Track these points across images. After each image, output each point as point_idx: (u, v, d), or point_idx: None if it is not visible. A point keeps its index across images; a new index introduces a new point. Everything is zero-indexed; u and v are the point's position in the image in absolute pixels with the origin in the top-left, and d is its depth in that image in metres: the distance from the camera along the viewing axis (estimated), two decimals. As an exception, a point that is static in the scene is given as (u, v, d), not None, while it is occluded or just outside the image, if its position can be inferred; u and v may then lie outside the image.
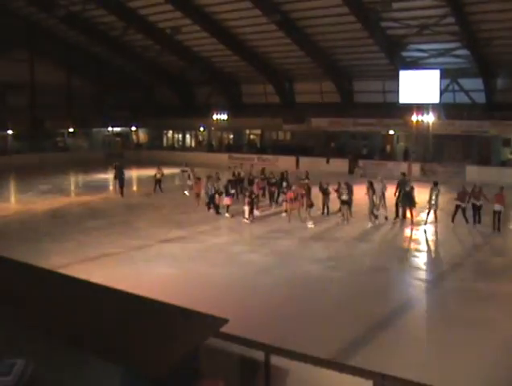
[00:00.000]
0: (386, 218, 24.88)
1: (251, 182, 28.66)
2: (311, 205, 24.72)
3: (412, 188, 24.48)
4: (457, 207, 23.57)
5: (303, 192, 25.25)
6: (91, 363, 4.28)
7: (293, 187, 25.82)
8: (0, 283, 5.93)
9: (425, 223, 24.05)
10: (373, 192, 24.56)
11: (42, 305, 5.32)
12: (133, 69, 58.13)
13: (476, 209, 23.36)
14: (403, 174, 27.06)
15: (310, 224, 23.95)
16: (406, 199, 24.24)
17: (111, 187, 36.20)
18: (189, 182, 31.34)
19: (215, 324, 5.14)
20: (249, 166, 32.09)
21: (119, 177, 32.65)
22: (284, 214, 25.65)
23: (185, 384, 4.90)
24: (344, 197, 24.81)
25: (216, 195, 26.44)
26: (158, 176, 33.47)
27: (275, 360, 6.13)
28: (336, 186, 25.67)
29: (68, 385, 4.47)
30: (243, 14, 41.15)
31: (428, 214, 24.25)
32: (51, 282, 6.26)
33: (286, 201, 25.81)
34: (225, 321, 5.12)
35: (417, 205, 24.41)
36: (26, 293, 5.61)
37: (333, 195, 26.00)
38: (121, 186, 32.53)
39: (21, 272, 6.59)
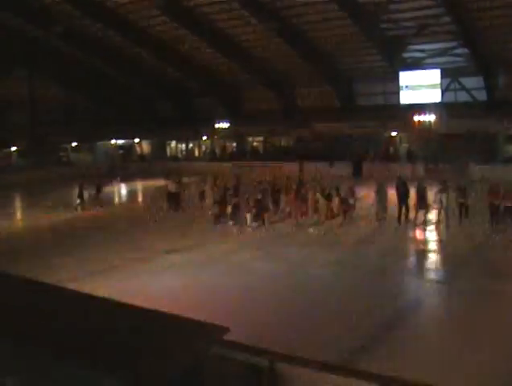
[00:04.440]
0: (385, 218, 24.74)
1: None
2: (305, 212, 24.85)
3: (425, 188, 24.34)
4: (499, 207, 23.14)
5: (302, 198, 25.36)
6: (90, 377, 4.24)
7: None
8: (3, 301, 5.90)
9: (434, 224, 23.98)
10: (383, 195, 24.68)
11: (40, 320, 5.29)
12: (134, 81, 58.16)
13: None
14: (399, 177, 26.73)
15: (310, 229, 24.06)
16: (420, 201, 24.07)
17: (116, 200, 36.32)
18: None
19: (216, 333, 5.10)
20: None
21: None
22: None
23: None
24: (351, 201, 24.89)
25: (216, 204, 26.47)
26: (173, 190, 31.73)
27: (281, 367, 6.08)
28: (336, 191, 25.88)
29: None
30: (241, 22, 41.27)
31: (439, 214, 24.21)
32: (52, 297, 6.23)
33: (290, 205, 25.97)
34: (226, 329, 5.08)
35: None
36: (24, 309, 5.58)
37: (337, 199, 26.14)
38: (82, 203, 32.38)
39: (22, 287, 6.57)
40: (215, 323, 5.22)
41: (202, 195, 31.51)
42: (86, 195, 32.71)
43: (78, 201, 32.19)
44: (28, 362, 4.52)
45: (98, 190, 33.58)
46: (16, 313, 5.48)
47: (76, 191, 33.05)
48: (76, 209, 31.72)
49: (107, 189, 36.13)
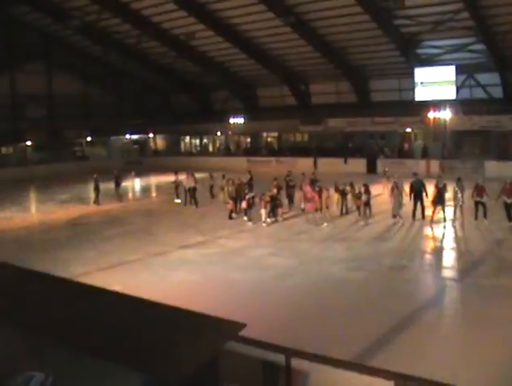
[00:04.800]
0: (400, 215, 24.70)
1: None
2: (319, 208, 24.81)
3: (444, 186, 24.27)
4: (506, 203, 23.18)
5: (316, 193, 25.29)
6: (110, 372, 4.27)
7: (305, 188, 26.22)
8: (17, 293, 5.94)
9: (450, 221, 23.91)
10: (400, 192, 24.65)
11: (60, 315, 5.32)
12: (149, 76, 58.31)
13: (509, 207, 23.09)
14: (415, 173, 26.42)
15: (326, 226, 24.00)
16: (438, 198, 23.92)
17: (131, 194, 36.41)
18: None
19: (233, 329, 5.12)
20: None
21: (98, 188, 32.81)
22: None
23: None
24: (364, 198, 24.82)
25: (230, 200, 26.57)
26: (192, 184, 31.22)
27: (296, 363, 6.10)
28: (350, 187, 26.00)
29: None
30: (256, 17, 41.15)
31: (455, 211, 24.17)
32: (69, 292, 6.27)
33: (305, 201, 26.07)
34: (243, 325, 5.09)
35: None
36: (44, 304, 5.62)
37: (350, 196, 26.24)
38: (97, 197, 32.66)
39: (38, 281, 6.61)
40: (232, 319, 5.23)
41: (211, 191, 31.74)
42: (101, 189, 32.87)
43: (94, 195, 32.41)
44: (53, 358, 4.55)
45: (117, 185, 33.80)
46: (34, 308, 5.52)
47: (91, 186, 33.27)
48: (94, 203, 31.95)
49: (123, 183, 36.19)
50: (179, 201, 31.61)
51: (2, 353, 4.78)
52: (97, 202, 32.00)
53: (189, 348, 4.65)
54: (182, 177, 32.53)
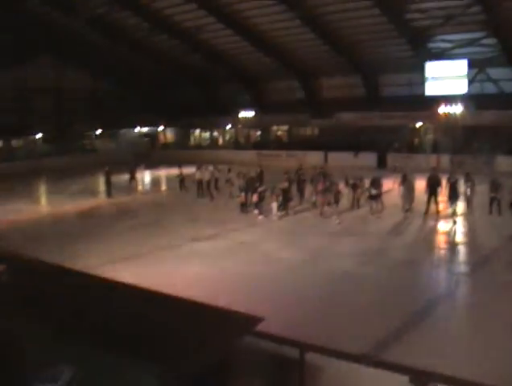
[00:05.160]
0: (411, 210, 24.67)
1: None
2: (330, 202, 24.71)
3: (456, 181, 24.19)
4: None
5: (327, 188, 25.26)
6: (125, 366, 4.27)
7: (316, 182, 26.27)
8: (41, 288, 5.96)
9: (462, 216, 23.85)
10: (410, 187, 24.63)
11: (80, 309, 5.34)
12: (159, 69, 58.25)
13: None
14: (434, 168, 26.35)
15: (336, 221, 23.87)
16: (451, 193, 23.86)
17: (141, 187, 36.57)
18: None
19: (250, 323, 5.12)
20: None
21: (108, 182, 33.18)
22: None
23: (222, 383, 4.89)
24: (373, 192, 24.78)
25: (242, 193, 26.55)
26: (207, 178, 31.78)
27: (310, 357, 6.09)
28: (359, 181, 26.06)
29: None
30: (267, 10, 41.04)
31: (466, 206, 24.12)
32: (88, 285, 6.29)
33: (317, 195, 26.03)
34: (261, 319, 5.10)
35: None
36: (67, 299, 5.63)
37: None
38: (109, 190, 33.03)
39: (58, 275, 6.64)
40: (249, 313, 5.24)
41: (216, 184, 31.84)
42: (112, 182, 33.06)
43: (105, 188, 32.58)
44: (74, 353, 4.56)
45: (133, 178, 34.15)
46: (49, 300, 5.54)
47: (102, 178, 33.42)
48: (107, 195, 32.19)
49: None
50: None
51: (30, 348, 4.79)
52: (109, 194, 32.19)
53: (204, 342, 4.66)
54: (189, 170, 32.68)
